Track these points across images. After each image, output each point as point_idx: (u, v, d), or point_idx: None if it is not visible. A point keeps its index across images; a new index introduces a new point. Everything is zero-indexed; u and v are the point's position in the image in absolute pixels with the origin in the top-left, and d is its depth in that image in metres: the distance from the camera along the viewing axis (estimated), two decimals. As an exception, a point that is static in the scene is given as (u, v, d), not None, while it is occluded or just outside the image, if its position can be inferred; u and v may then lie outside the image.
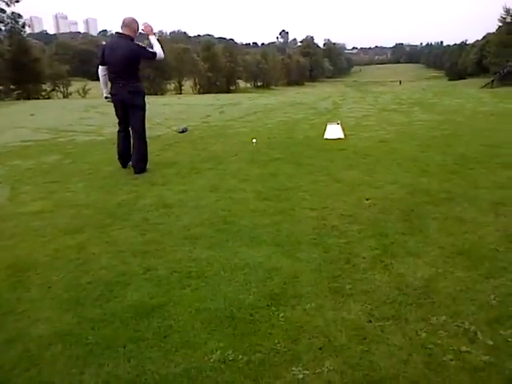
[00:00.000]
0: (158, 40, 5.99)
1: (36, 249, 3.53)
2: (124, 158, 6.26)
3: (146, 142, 6.08)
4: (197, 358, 2.16)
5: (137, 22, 5.83)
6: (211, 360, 2.14)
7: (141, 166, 6.00)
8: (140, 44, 5.88)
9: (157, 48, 5.84)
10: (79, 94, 53.91)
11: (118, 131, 6.25)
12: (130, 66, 5.80)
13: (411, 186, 4.77)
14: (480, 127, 8.79)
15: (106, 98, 6.11)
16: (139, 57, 5.85)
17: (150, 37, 5.90)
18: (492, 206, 4.09)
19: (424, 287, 2.71)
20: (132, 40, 5.78)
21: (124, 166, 6.28)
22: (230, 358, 2.14)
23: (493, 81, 44.37)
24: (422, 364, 2.06)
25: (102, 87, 6.08)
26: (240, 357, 2.15)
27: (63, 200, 4.86)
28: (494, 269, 2.90)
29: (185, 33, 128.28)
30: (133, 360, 2.17)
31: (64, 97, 52.07)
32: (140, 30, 5.91)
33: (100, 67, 5.94)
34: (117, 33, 5.95)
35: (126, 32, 5.76)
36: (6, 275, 3.10)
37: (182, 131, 7.76)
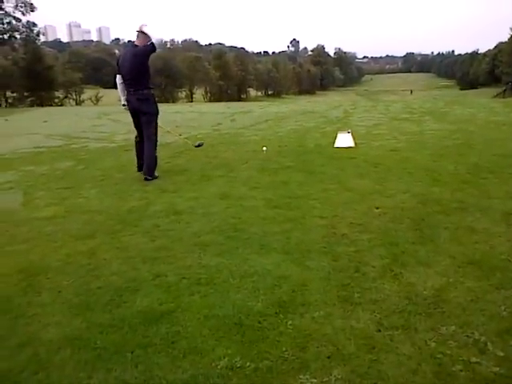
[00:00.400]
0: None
1: (48, 254, 3.57)
2: (142, 162, 6.30)
3: (155, 149, 6.17)
4: (204, 364, 2.16)
5: (148, 35, 5.93)
6: (219, 367, 2.14)
7: (149, 173, 6.10)
8: (143, 46, 5.92)
9: (150, 35, 5.88)
10: (92, 102, 54.51)
11: (135, 137, 6.43)
12: (137, 72, 5.98)
13: (423, 196, 4.74)
14: (492, 137, 8.72)
15: (124, 105, 6.28)
16: (144, 57, 5.95)
17: (144, 29, 5.89)
18: (504, 216, 4.06)
19: (434, 297, 2.69)
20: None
21: (140, 169, 6.34)
22: (238, 365, 2.14)
23: (505, 90, 44.05)
24: (431, 374, 2.04)
25: (120, 95, 6.25)
26: (248, 364, 2.15)
27: (75, 206, 4.91)
28: (506, 279, 2.87)
29: (196, 41, 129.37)
30: (140, 365, 2.18)
31: (77, 104, 52.70)
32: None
33: (117, 76, 6.15)
34: (129, 41, 6.14)
35: (136, 42, 5.98)
36: (18, 279, 3.13)
37: (198, 145, 7.83)
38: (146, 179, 6.02)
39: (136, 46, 5.99)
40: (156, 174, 6.16)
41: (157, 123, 6.23)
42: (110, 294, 2.87)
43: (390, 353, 2.20)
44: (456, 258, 3.22)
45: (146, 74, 6.07)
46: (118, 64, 6.18)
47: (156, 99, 6.47)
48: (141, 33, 5.95)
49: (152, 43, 5.89)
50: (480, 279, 2.89)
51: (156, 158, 6.19)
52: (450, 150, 7.39)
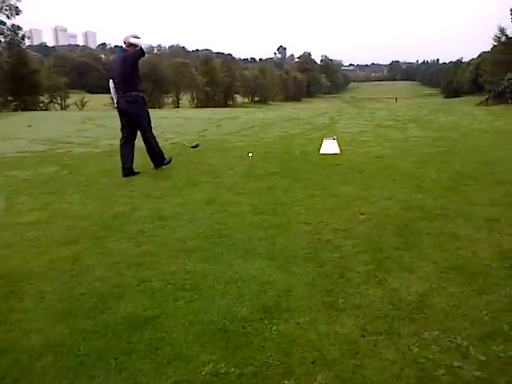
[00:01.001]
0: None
1: (30, 259, 3.53)
2: (127, 166, 6.51)
3: (154, 139, 6.75)
4: (188, 370, 2.15)
5: (136, 38, 6.41)
6: (203, 373, 2.13)
7: (157, 161, 6.76)
8: (133, 50, 6.39)
9: (138, 43, 6.38)
10: (77, 106, 54.11)
11: (120, 139, 6.66)
12: (126, 76, 6.35)
13: (406, 202, 4.79)
14: (475, 144, 8.86)
15: (116, 107, 6.69)
16: (134, 61, 6.36)
17: (132, 41, 6.36)
18: (486, 222, 4.11)
19: (417, 302, 2.72)
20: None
21: (125, 174, 6.46)
22: (222, 371, 2.14)
23: (488, 99, 44.68)
24: (414, 379, 2.06)
25: (113, 98, 6.70)
26: (232, 370, 2.14)
27: (59, 211, 4.86)
28: (487, 285, 2.91)
29: (183, 47, 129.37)
30: (124, 372, 2.16)
31: (62, 109, 52.20)
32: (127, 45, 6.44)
33: (110, 80, 6.55)
34: (120, 46, 6.66)
35: (125, 47, 6.46)
36: (-1, 285, 3.09)
37: (195, 146, 7.96)
38: (156, 167, 6.75)
39: (126, 50, 6.35)
40: (167, 158, 6.90)
41: (149, 119, 6.68)
42: (94, 300, 2.85)
43: (373, 358, 2.21)
44: (439, 263, 3.26)
45: (134, 77, 6.40)
46: (107, 69, 6.58)
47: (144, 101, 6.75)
48: (130, 44, 6.35)
49: (141, 48, 6.30)
50: (462, 285, 2.93)
51: (158, 147, 6.81)
52: (433, 157, 7.48)
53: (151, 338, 2.42)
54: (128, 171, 6.45)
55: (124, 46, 6.48)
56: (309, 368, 2.15)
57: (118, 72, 6.36)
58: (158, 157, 6.83)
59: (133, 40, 6.33)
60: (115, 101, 6.60)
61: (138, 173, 6.58)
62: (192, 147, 7.94)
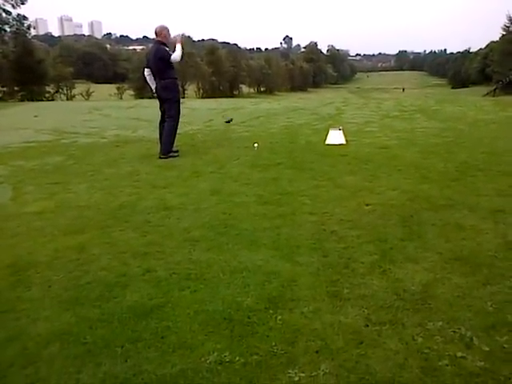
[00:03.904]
0: (183, 48, 7.24)
1: (37, 248, 3.56)
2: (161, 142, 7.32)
3: (175, 129, 7.27)
4: (193, 358, 2.17)
5: (166, 28, 7.18)
6: (208, 361, 2.15)
7: (163, 151, 7.12)
8: (166, 48, 7.08)
9: (176, 53, 7.05)
10: (83, 97, 54.16)
11: (160, 121, 7.47)
12: (159, 65, 7.08)
13: (412, 193, 4.78)
14: (481, 135, 8.79)
15: (154, 92, 7.43)
16: (162, 57, 7.01)
17: (177, 45, 7.11)
18: (492, 213, 4.10)
19: (421, 293, 2.72)
20: (163, 44, 7.10)
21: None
22: (227, 360, 2.15)
23: (495, 89, 44.20)
24: (418, 368, 2.07)
25: (150, 84, 7.41)
26: (237, 358, 2.16)
27: (65, 201, 4.89)
28: (492, 275, 2.91)
29: (189, 37, 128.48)
30: (130, 360, 2.18)
31: (67, 99, 52.30)
32: (171, 38, 7.26)
33: (145, 69, 7.33)
34: (154, 39, 7.29)
35: (158, 38, 7.14)
36: (7, 274, 3.13)
37: (228, 121, 8.20)
38: (161, 157, 7.01)
39: (159, 42, 7.09)
40: (175, 149, 7.23)
41: (178, 108, 7.31)
42: (100, 289, 2.87)
43: (377, 348, 2.22)
44: (443, 254, 3.26)
45: (165, 67, 7.09)
46: (146, 58, 7.38)
47: (179, 88, 7.71)
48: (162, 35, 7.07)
49: (170, 55, 6.95)
50: (467, 275, 2.93)
51: (174, 138, 7.24)
52: (439, 147, 7.44)
53: (156, 326, 2.44)
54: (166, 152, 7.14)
55: (156, 37, 7.14)
56: (313, 357, 2.16)
57: (152, 62, 7.11)
58: (166, 149, 7.13)
59: (178, 46, 7.04)
60: (153, 87, 7.30)
61: (177, 153, 7.20)
62: (226, 122, 8.20)
